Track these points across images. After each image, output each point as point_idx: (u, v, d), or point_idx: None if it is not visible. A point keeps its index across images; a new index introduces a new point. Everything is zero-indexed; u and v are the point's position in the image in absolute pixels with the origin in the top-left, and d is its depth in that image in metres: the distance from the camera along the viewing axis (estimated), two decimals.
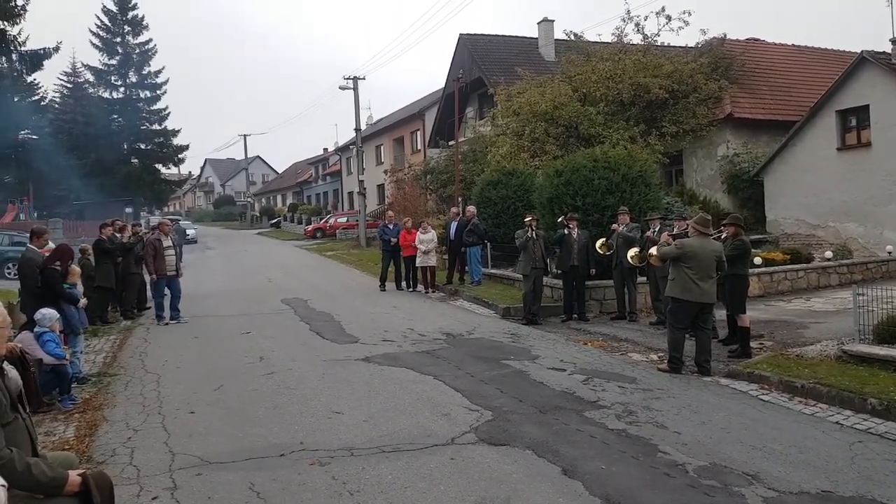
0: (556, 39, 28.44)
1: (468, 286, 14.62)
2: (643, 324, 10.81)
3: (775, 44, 24.64)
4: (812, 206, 17.35)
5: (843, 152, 16.64)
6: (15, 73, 25.83)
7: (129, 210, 36.86)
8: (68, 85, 45.02)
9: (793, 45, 24.92)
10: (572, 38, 22.80)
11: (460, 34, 29.50)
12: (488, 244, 15.75)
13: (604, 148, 14.16)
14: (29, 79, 32.37)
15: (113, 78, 41.90)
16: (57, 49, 25.40)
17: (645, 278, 11.28)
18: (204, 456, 5.14)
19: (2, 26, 20.47)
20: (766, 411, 6.12)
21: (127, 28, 41.58)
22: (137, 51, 42.02)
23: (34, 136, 36.46)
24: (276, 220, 54.12)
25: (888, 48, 15.95)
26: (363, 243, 30.16)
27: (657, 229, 10.51)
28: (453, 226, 15.49)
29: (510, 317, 11.63)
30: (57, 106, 43.54)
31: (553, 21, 29.55)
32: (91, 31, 40.92)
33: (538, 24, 29.79)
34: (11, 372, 3.29)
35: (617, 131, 17.98)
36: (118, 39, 41.53)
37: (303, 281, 17.88)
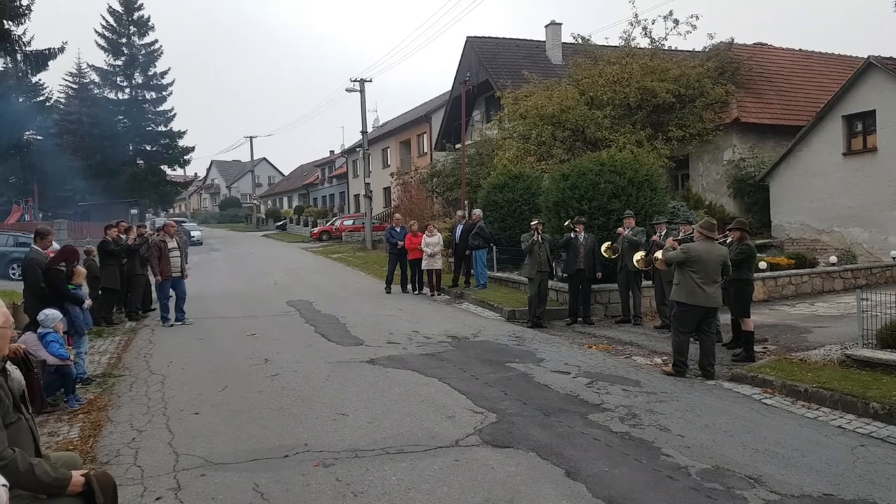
0: (564, 43, 28.50)
1: (473, 289, 14.63)
2: (648, 327, 10.80)
3: (782, 49, 24.62)
4: (817, 211, 17.30)
5: (849, 157, 16.60)
6: (20, 74, 25.99)
7: (134, 211, 37.04)
8: (73, 86, 45.36)
9: (800, 49, 24.92)
10: (580, 41, 22.88)
11: (468, 37, 29.55)
12: (494, 247, 15.76)
13: (610, 152, 14.16)
14: (34, 79, 32.60)
15: (118, 79, 42.16)
16: (62, 49, 25.59)
17: (650, 282, 11.27)
18: (208, 457, 5.16)
19: (6, 26, 20.61)
20: (769, 415, 6.11)
21: (133, 29, 41.86)
22: (143, 52, 42.28)
23: (39, 137, 36.68)
24: (281, 223, 54.23)
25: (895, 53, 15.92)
26: (369, 246, 30.20)
27: (663, 233, 10.50)
28: (459, 229, 15.51)
29: (515, 320, 11.63)
30: (62, 106, 43.83)
31: (561, 24, 29.60)
32: (97, 32, 41.26)
33: (546, 27, 29.83)
34: (14, 372, 3.32)
35: (623, 135, 18.00)
36: (124, 40, 41.79)
37: (308, 283, 17.92)
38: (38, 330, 6.76)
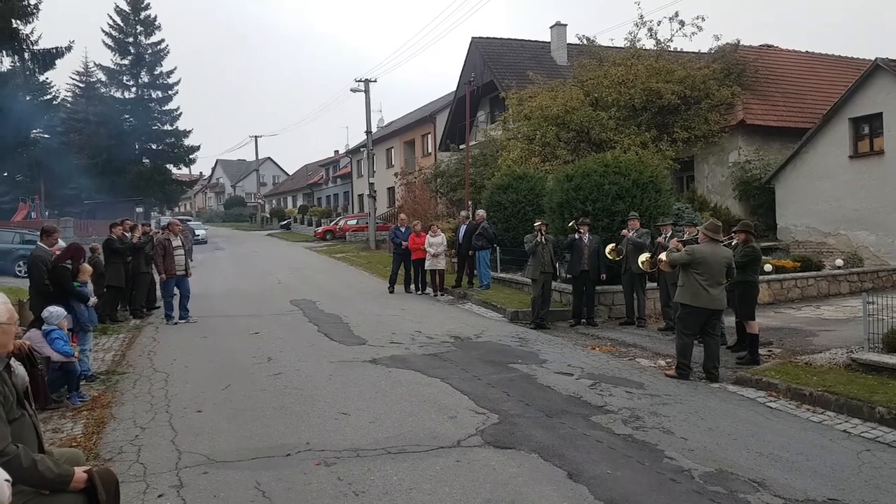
0: (569, 44, 28.47)
1: (477, 290, 14.62)
2: (652, 329, 10.76)
3: (789, 50, 24.54)
4: (823, 214, 17.24)
5: (856, 160, 16.52)
6: (27, 72, 26.07)
7: (139, 210, 37.15)
8: (80, 84, 45.50)
9: (806, 51, 24.83)
10: (585, 42, 22.84)
11: (473, 37, 29.56)
12: (497, 248, 15.75)
13: (615, 153, 14.13)
14: (41, 78, 32.69)
15: (125, 78, 42.26)
16: (69, 48, 25.66)
17: (655, 284, 11.25)
18: (210, 455, 5.16)
19: (15, 25, 20.67)
20: (773, 418, 6.09)
21: (139, 28, 41.95)
22: (150, 51, 42.37)
23: (46, 135, 36.78)
24: (286, 222, 54.30)
25: None
26: (373, 246, 30.23)
27: (668, 235, 10.47)
28: (463, 229, 15.51)
29: (518, 321, 11.62)
30: (69, 105, 43.99)
31: (566, 25, 29.58)
32: (103, 31, 41.34)
33: (551, 28, 29.83)
34: (18, 369, 3.32)
35: (628, 136, 17.96)
36: (130, 39, 41.88)
37: (312, 282, 17.93)
38: (43, 327, 6.79)
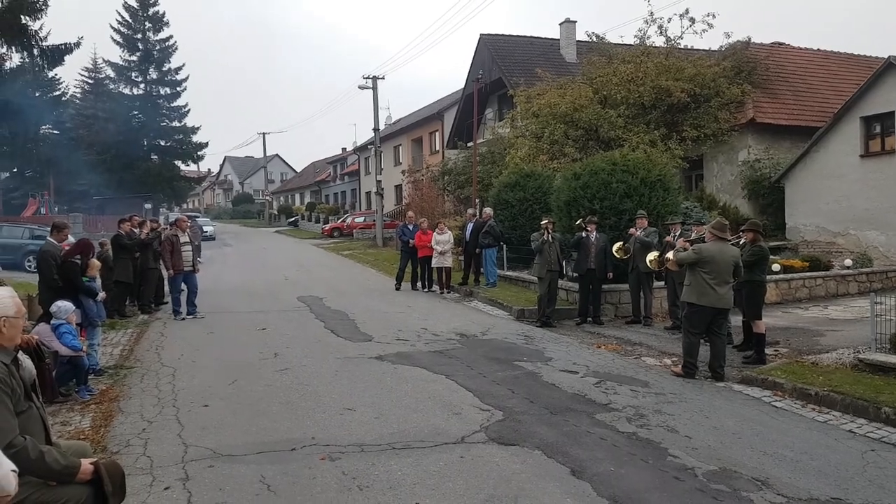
0: (578, 41, 28.37)
1: (483, 287, 14.63)
2: (658, 328, 10.75)
3: (800, 48, 24.38)
4: (833, 214, 17.13)
5: (867, 159, 16.40)
6: (36, 68, 26.21)
7: (148, 206, 37.34)
8: (89, 81, 45.70)
9: (818, 49, 24.65)
10: (594, 39, 22.76)
11: (481, 34, 29.51)
12: (504, 246, 15.75)
13: (623, 151, 14.10)
14: (50, 74, 32.86)
15: (133, 74, 42.45)
16: (78, 44, 25.72)
17: (662, 283, 11.22)
18: (216, 448, 5.20)
19: (24, 21, 20.77)
20: (778, 418, 6.07)
21: (148, 24, 42.10)
22: (158, 47, 42.53)
23: (55, 131, 37.03)
24: (293, 219, 54.46)
25: None
26: (380, 243, 30.27)
27: (677, 234, 10.44)
28: (469, 227, 15.51)
29: (524, 319, 11.62)
30: (78, 101, 44.21)
31: (575, 22, 29.48)
32: (112, 27, 41.52)
33: (560, 24, 29.73)
34: (26, 362, 3.36)
35: (637, 135, 17.89)
36: (139, 36, 42.05)
37: (319, 279, 17.99)
38: (52, 321, 6.84)
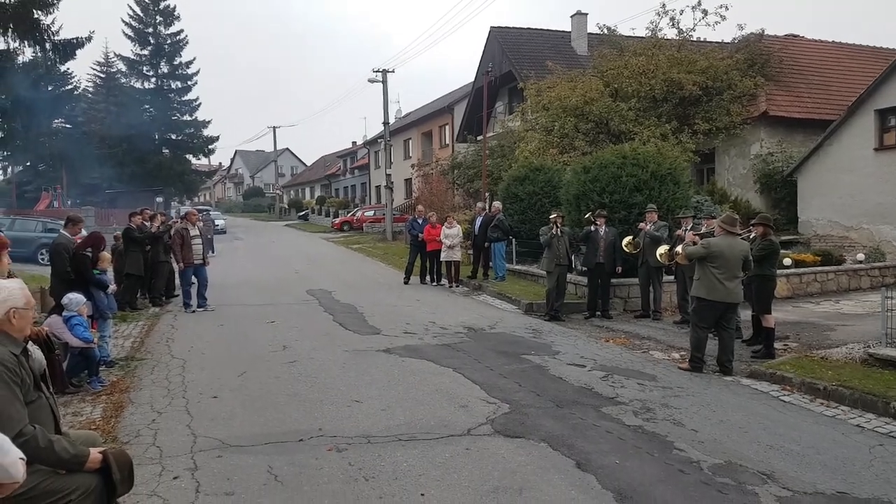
0: (590, 33, 28.16)
1: (492, 281, 14.64)
2: (667, 322, 10.72)
3: (814, 40, 24.13)
4: (846, 208, 16.98)
5: (881, 153, 16.23)
6: (48, 63, 26.39)
7: (159, 199, 37.57)
8: (101, 75, 46.03)
9: (833, 41, 24.40)
10: (605, 32, 22.61)
11: (491, 27, 29.40)
12: (513, 240, 15.73)
13: (633, 145, 14.02)
14: (62, 68, 33.08)
15: (145, 68, 42.70)
16: (89, 39, 25.88)
17: (672, 277, 11.18)
18: (225, 439, 5.25)
19: (36, 15, 20.90)
20: (785, 412, 6.05)
21: (158, 18, 42.30)
22: (169, 41, 42.74)
23: (67, 125, 37.32)
24: (304, 213, 54.60)
25: None
26: (389, 237, 30.31)
27: (688, 228, 10.39)
28: (479, 221, 15.52)
29: (533, 313, 11.62)
30: (90, 95, 44.52)
31: (587, 14, 29.28)
32: (123, 21, 41.76)
33: (571, 17, 29.56)
34: (36, 353, 3.41)
35: (648, 128, 17.78)
36: (150, 30, 42.27)
37: (328, 273, 18.06)
38: (63, 313, 6.92)
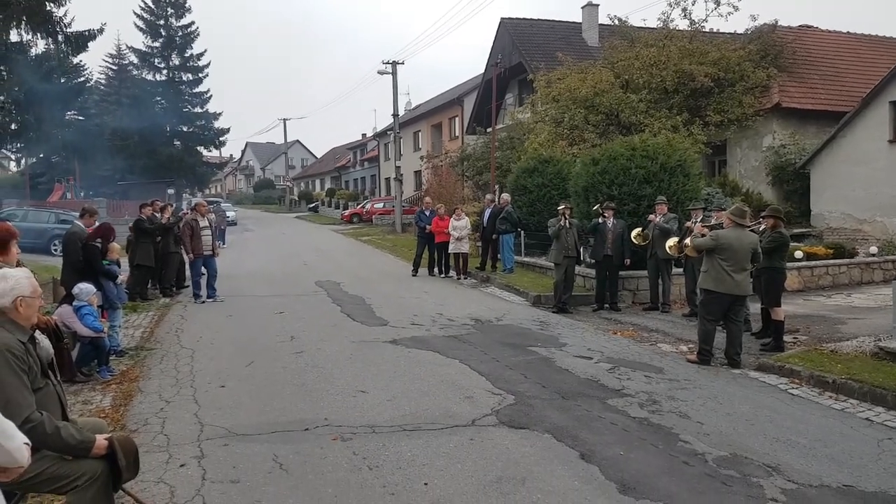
0: (601, 24, 28.00)
1: (500, 273, 14.62)
2: (676, 315, 10.67)
3: (828, 31, 23.85)
4: (859, 200, 16.80)
5: None
6: (61, 55, 26.56)
7: (171, 191, 37.75)
8: (113, 67, 46.22)
9: (847, 32, 24.10)
10: (616, 23, 22.44)
11: (502, 18, 29.27)
12: (522, 232, 15.69)
13: (643, 136, 13.93)
14: (74, 60, 33.24)
15: (156, 60, 42.79)
16: (101, 31, 26.01)
17: (681, 269, 11.13)
18: (231, 428, 5.29)
19: (48, 8, 21.04)
20: (793, 405, 6.01)
21: (170, 10, 42.37)
22: (180, 33, 42.81)
23: (80, 117, 37.52)
24: (314, 205, 54.72)
25: None
26: (398, 229, 30.34)
27: (699, 220, 10.32)
28: (487, 213, 15.49)
29: (541, 305, 11.60)
30: (102, 87, 44.73)
31: (598, 5, 29.08)
32: (135, 14, 41.86)
33: (582, 8, 29.35)
34: (43, 341, 3.45)
35: (659, 120, 17.66)
36: (161, 22, 42.34)
37: (337, 264, 18.11)
38: (74, 303, 6.98)
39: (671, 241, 10.25)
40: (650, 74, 18.56)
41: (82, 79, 38.15)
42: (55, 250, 18.49)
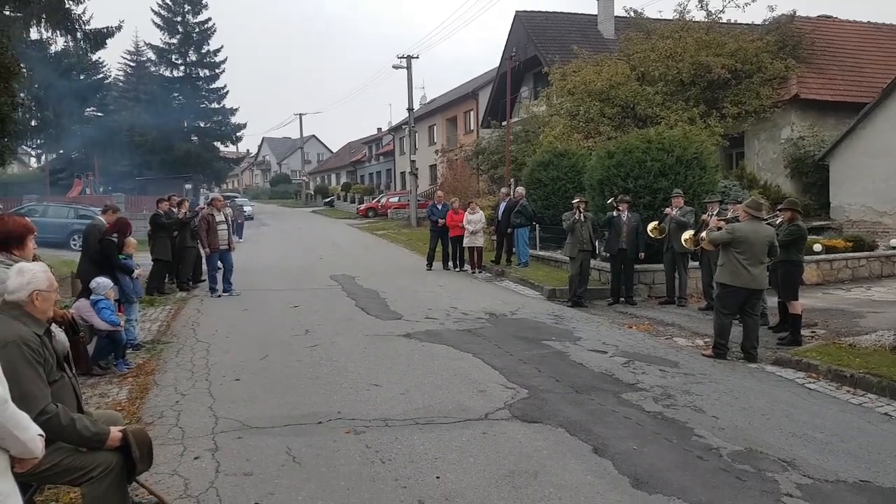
0: (616, 16, 27.71)
1: (515, 267, 14.59)
2: (692, 309, 10.58)
3: (848, 21, 23.45)
4: (880, 193, 16.53)
5: None
6: (80, 52, 26.88)
7: (188, 186, 38.03)
8: (131, 64, 46.63)
9: (868, 22, 23.67)
10: (632, 15, 22.27)
11: (517, 11, 29.08)
12: (536, 226, 15.64)
13: (658, 129, 13.80)
14: (93, 57, 33.62)
15: (173, 57, 43.14)
16: (119, 28, 26.36)
17: (697, 263, 11.03)
18: (245, 421, 5.33)
19: (67, 5, 21.29)
20: (810, 399, 5.95)
21: (187, 7, 42.66)
22: (197, 30, 43.11)
23: (99, 114, 37.92)
24: (329, 199, 54.94)
25: None
26: (414, 223, 30.37)
27: (715, 213, 10.21)
28: (502, 206, 15.46)
29: (555, 299, 11.56)
30: (120, 84, 45.17)
31: None
32: (153, 11, 42.20)
33: (597, 0, 29.11)
34: (59, 335, 3.50)
35: (675, 112, 17.50)
36: (179, 18, 42.66)
37: (352, 258, 18.17)
38: (91, 297, 7.07)
39: (686, 235, 10.16)
40: (666, 66, 18.39)
41: (101, 76, 38.59)
42: (74, 245, 18.73)
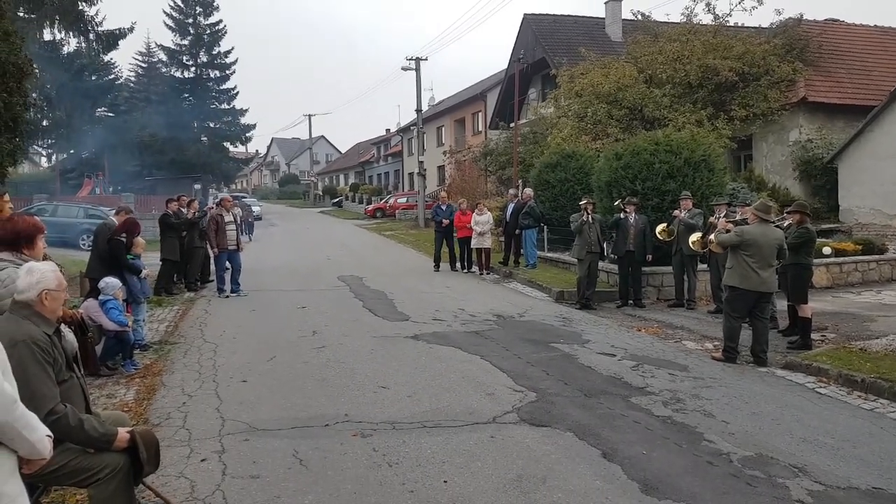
0: (624, 19, 27.78)
1: (523, 269, 14.55)
2: (701, 312, 10.53)
3: (856, 24, 23.36)
4: (889, 196, 16.41)
5: None
6: (92, 53, 27.09)
7: (197, 187, 38.18)
8: (143, 65, 46.91)
9: (875, 25, 23.57)
10: (640, 17, 22.25)
11: (525, 14, 29.09)
12: (545, 227, 15.60)
13: (666, 131, 13.76)
14: (105, 58, 33.85)
15: (184, 58, 43.43)
16: (131, 29, 26.62)
17: (706, 265, 10.98)
18: (252, 423, 5.32)
19: (80, 7, 21.48)
20: (821, 404, 5.89)
21: (198, 9, 42.96)
22: (208, 31, 43.40)
23: (110, 114, 38.16)
24: (338, 200, 55.00)
25: None
26: (421, 224, 30.34)
27: (723, 215, 10.16)
28: (510, 208, 15.43)
29: (563, 301, 11.52)
30: (132, 85, 45.43)
31: (621, 0, 28.79)
32: (164, 12, 42.50)
33: (605, 3, 29.08)
34: (68, 335, 3.49)
35: (683, 114, 17.45)
36: (190, 20, 42.95)
37: (360, 259, 18.18)
38: (99, 297, 7.08)
39: (694, 237, 10.13)
40: (674, 69, 18.36)
41: (112, 76, 38.84)
42: (84, 245, 18.81)
